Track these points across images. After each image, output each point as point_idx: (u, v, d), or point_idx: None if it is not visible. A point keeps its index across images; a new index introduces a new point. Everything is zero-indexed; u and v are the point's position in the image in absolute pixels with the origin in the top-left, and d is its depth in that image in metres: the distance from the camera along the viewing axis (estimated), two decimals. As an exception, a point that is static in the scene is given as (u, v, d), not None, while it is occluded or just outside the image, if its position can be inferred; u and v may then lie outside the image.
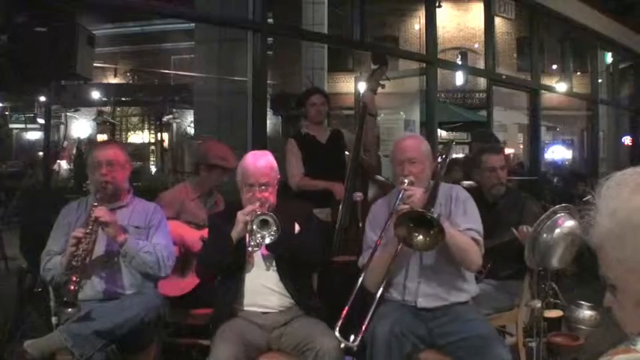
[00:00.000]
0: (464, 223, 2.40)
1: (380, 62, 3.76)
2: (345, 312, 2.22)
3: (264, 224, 2.30)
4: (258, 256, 2.47)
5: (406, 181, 2.38)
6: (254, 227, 2.30)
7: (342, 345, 2.16)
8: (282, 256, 2.43)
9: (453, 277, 2.45)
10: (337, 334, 2.17)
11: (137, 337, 2.44)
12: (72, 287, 2.30)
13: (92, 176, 2.63)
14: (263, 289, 2.46)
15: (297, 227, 2.54)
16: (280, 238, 2.29)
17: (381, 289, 2.34)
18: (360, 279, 2.36)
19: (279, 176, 2.58)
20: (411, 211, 2.23)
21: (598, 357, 0.85)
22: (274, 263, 2.47)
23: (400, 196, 2.35)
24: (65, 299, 2.29)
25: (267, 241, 2.30)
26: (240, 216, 2.37)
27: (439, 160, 2.63)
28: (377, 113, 3.67)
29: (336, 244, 3.35)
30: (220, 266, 2.45)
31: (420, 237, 2.20)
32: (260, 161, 2.49)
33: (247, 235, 2.37)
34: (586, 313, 3.06)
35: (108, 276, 2.56)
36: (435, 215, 2.22)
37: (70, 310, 2.29)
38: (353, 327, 2.21)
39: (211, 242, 2.55)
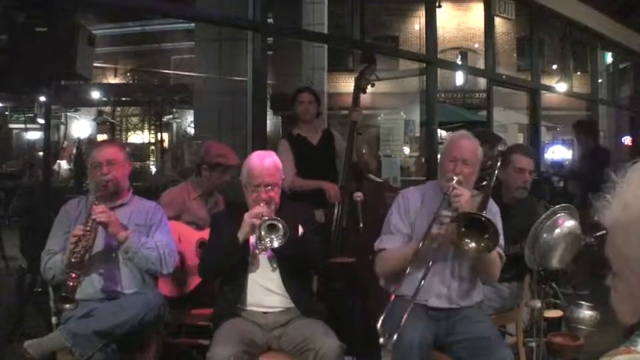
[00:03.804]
0: None
1: (369, 60, 3.74)
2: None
3: (272, 228, 2.30)
4: (262, 258, 2.47)
5: (455, 178, 2.37)
6: (262, 232, 2.30)
7: (382, 340, 2.07)
8: (287, 258, 2.43)
9: (468, 283, 2.46)
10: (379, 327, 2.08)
11: (137, 336, 2.45)
12: (71, 283, 2.31)
13: (92, 176, 2.63)
14: (264, 289, 2.46)
15: (300, 229, 2.53)
16: (287, 242, 2.29)
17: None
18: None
19: (283, 177, 2.58)
20: (470, 213, 2.19)
21: (598, 357, 0.85)
22: (277, 265, 2.47)
23: (447, 192, 2.34)
24: (63, 294, 2.30)
25: (276, 244, 2.30)
26: (247, 218, 2.37)
27: (492, 168, 2.62)
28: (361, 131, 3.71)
29: (335, 245, 3.35)
30: (224, 266, 2.46)
31: (473, 243, 2.18)
32: (266, 161, 2.49)
33: (252, 237, 2.38)
34: (586, 313, 3.04)
35: (107, 273, 2.56)
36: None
37: (67, 305, 2.30)
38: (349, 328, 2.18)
39: (215, 242, 2.54)
